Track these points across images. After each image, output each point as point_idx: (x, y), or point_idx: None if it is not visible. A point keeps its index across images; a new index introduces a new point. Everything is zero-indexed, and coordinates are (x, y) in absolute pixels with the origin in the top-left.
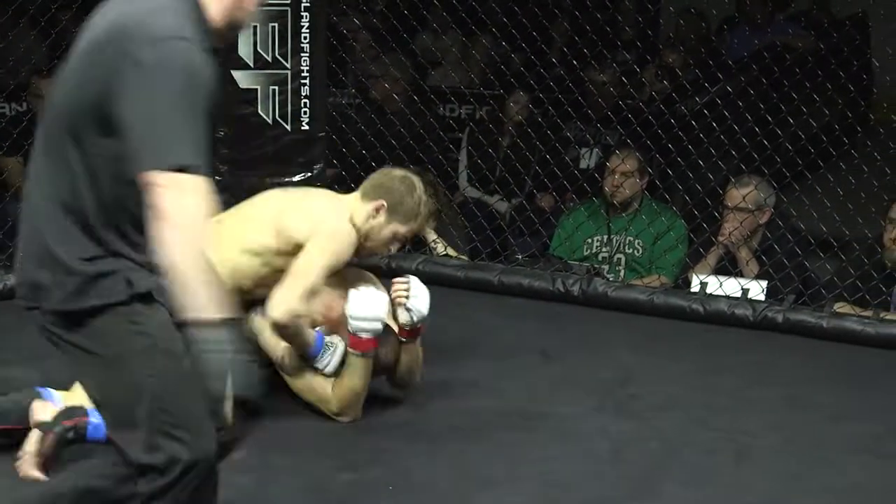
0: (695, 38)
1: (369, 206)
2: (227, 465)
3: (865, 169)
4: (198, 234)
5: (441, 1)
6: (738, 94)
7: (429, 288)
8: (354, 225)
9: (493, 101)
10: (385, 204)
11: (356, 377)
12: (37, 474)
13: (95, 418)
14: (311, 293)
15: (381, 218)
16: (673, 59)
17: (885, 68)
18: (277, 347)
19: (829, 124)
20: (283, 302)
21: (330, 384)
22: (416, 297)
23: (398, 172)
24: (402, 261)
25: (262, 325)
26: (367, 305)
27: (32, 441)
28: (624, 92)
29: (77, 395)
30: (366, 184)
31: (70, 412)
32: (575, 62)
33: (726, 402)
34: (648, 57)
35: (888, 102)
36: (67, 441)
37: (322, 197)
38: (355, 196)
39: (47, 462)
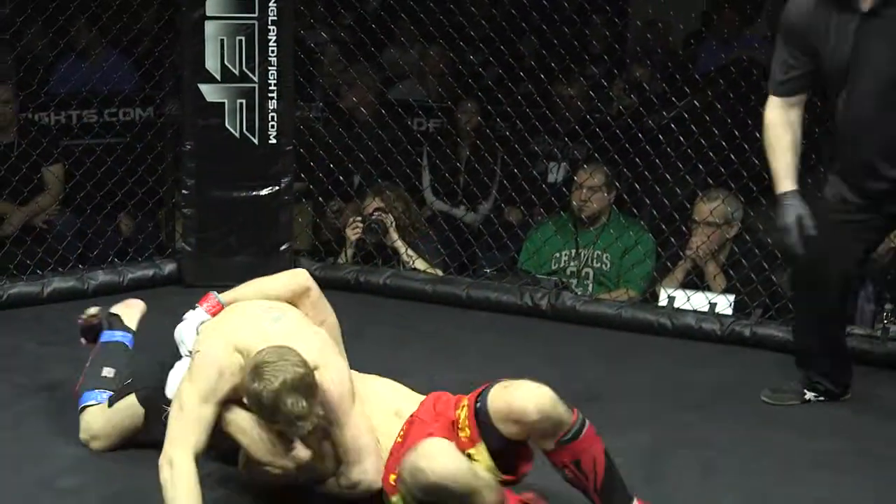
0: (662, 52)
1: None
2: None
3: None
4: None
5: (409, 15)
6: (706, 108)
7: (397, 302)
8: None
9: (463, 114)
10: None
11: None
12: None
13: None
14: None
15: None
16: (640, 74)
17: None
18: None
19: None
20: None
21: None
22: None
23: (268, 361)
24: (370, 275)
25: None
26: None
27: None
28: (592, 106)
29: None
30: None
31: (110, 317)
32: (543, 76)
33: (693, 416)
34: (616, 71)
35: None
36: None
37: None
38: None
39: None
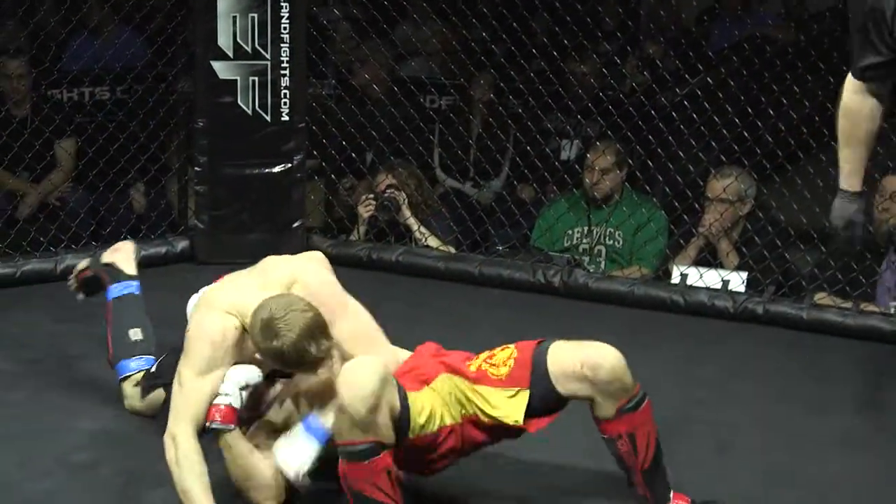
0: (675, 29)
1: None
2: None
3: None
4: None
5: None
6: (719, 85)
7: (410, 279)
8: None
9: (475, 91)
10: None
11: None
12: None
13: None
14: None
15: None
16: (653, 51)
17: None
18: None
19: (810, 116)
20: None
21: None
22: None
23: (276, 316)
24: (383, 252)
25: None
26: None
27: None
28: (604, 83)
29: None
30: None
31: (107, 269)
32: (555, 53)
33: (707, 393)
34: (629, 48)
35: None
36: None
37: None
38: None
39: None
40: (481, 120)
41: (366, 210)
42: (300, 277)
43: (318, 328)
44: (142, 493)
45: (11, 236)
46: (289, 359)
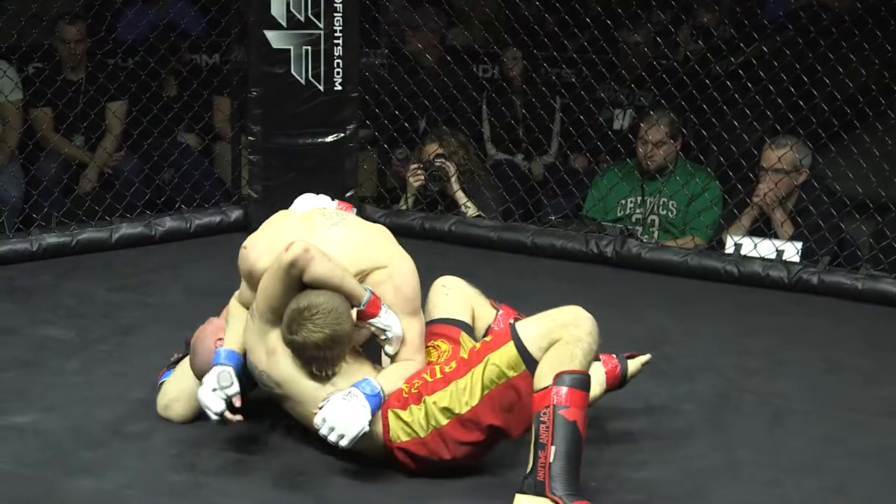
0: None
1: None
2: None
3: None
4: None
5: None
6: (774, 53)
7: (462, 248)
8: None
9: (527, 60)
10: None
11: None
12: None
13: None
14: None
15: None
16: (708, 19)
17: None
18: None
19: (866, 84)
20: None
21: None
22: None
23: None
24: (435, 221)
25: None
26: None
27: None
28: (658, 52)
29: None
30: None
31: None
32: (609, 22)
33: (760, 364)
34: (683, 17)
35: None
36: None
37: None
38: None
39: None
40: (533, 90)
41: (416, 180)
42: (392, 266)
43: (325, 350)
44: (195, 462)
45: (67, 205)
46: (290, 347)
